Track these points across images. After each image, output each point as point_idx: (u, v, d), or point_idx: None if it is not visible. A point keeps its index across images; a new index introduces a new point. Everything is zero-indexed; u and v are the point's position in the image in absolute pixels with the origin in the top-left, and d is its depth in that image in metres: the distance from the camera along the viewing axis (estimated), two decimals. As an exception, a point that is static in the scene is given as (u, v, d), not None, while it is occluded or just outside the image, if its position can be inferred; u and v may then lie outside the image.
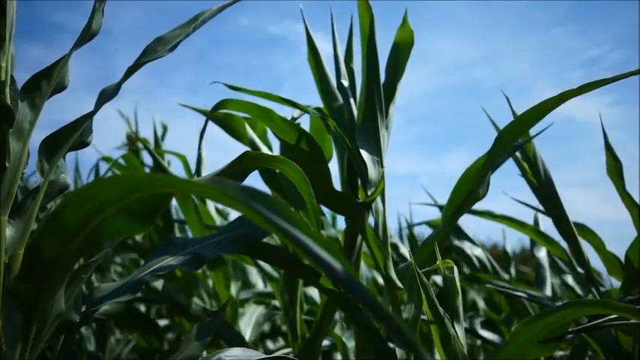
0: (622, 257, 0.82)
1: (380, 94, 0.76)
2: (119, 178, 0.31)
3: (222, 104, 0.76)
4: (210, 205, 1.24)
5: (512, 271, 1.74)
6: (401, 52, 0.81)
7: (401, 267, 0.75)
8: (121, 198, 0.32)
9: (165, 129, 1.56)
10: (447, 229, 0.75)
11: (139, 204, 0.33)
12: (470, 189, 0.72)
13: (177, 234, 1.32)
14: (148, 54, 0.57)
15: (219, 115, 0.82)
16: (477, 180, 0.72)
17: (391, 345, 0.68)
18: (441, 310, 0.58)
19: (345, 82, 0.81)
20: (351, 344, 1.02)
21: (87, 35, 0.55)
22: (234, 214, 1.65)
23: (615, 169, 0.85)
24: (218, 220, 1.25)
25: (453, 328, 0.60)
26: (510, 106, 0.99)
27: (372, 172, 0.71)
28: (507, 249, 1.85)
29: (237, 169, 0.56)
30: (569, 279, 1.57)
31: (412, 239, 1.91)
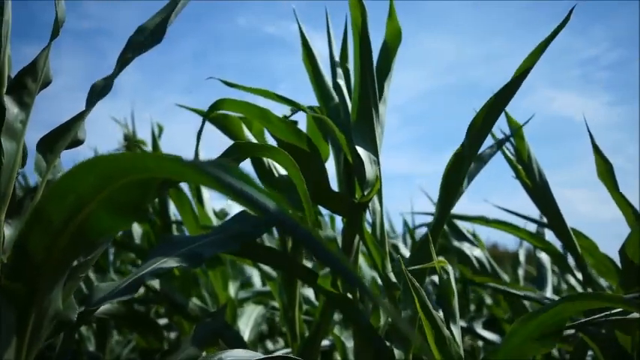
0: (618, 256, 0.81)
1: (374, 90, 0.75)
2: (92, 163, 0.31)
3: (218, 104, 0.76)
4: (208, 207, 1.24)
5: (521, 272, 1.73)
6: (388, 49, 0.80)
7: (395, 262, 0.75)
8: (99, 186, 0.32)
9: (161, 129, 1.55)
10: (439, 225, 0.74)
11: (122, 194, 0.33)
12: (454, 182, 0.72)
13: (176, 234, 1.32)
14: (133, 45, 0.56)
15: (216, 116, 0.82)
16: (459, 172, 0.71)
17: (389, 345, 0.68)
18: (433, 311, 0.57)
19: (341, 81, 0.81)
20: (349, 344, 1.02)
21: (57, 25, 0.53)
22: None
23: (606, 170, 0.84)
24: (215, 222, 1.25)
25: (449, 329, 0.60)
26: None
27: (369, 171, 0.71)
28: (511, 249, 1.85)
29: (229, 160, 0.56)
30: (572, 279, 1.56)
31: (413, 240, 1.91)
